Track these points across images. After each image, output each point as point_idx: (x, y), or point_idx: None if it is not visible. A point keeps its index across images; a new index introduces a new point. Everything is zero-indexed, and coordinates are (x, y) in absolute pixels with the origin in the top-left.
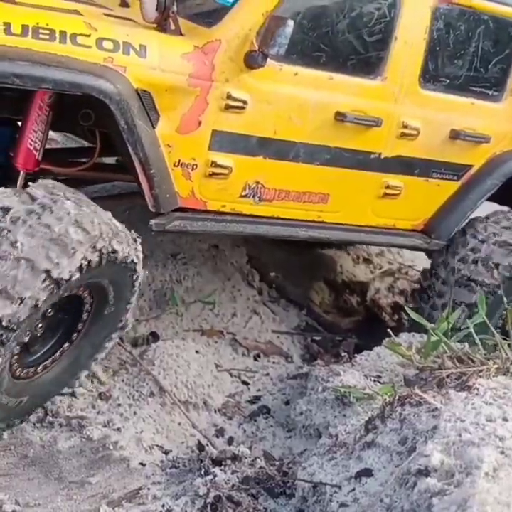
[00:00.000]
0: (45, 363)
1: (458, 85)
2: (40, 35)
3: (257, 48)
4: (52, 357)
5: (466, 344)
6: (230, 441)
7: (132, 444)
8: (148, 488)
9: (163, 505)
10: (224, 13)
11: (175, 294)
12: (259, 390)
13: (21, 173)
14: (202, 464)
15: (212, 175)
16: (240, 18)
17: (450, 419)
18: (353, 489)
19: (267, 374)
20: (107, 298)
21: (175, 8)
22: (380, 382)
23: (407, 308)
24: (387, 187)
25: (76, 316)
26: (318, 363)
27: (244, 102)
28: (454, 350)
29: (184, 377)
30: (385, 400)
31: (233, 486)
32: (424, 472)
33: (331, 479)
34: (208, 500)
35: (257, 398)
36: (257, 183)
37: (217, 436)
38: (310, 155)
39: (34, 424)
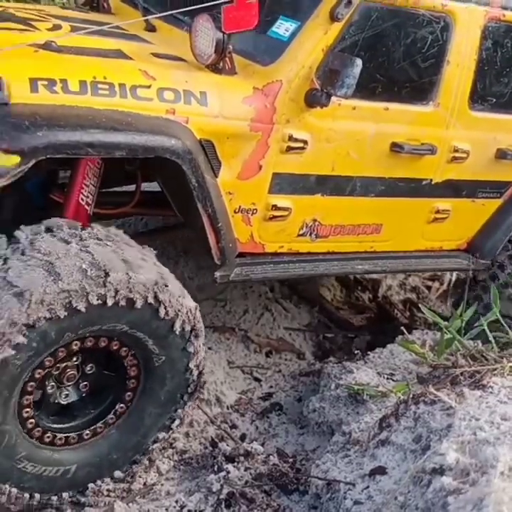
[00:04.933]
0: (91, 427)
1: (504, 103)
2: (100, 91)
3: (317, 86)
4: (103, 421)
5: (480, 342)
6: (243, 437)
7: None
8: (162, 484)
9: (176, 501)
10: (280, 49)
11: None
12: (271, 386)
13: None
14: (215, 461)
15: (272, 218)
16: (299, 55)
17: (465, 417)
18: (367, 487)
19: (279, 371)
20: (150, 354)
21: (231, 47)
22: (393, 380)
23: (421, 306)
24: (437, 211)
25: (122, 377)
26: (331, 360)
27: (305, 142)
28: (467, 348)
29: None
30: (400, 397)
31: (246, 482)
32: (439, 471)
33: (345, 477)
34: (222, 497)
35: (270, 395)
36: (314, 220)
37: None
38: (365, 188)
39: None
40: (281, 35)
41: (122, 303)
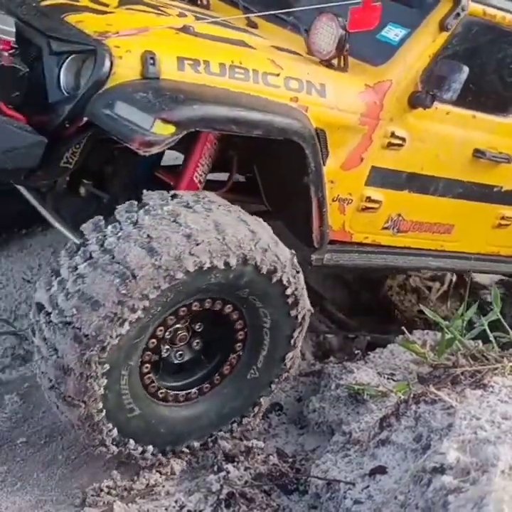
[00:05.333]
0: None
1: None
2: (236, 75)
3: (421, 88)
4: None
5: (480, 342)
6: (243, 437)
7: None
8: (162, 485)
9: (176, 501)
10: (390, 52)
11: None
12: None
13: None
14: (215, 460)
15: (364, 209)
16: (408, 59)
17: (465, 417)
18: (367, 486)
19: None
20: (260, 322)
21: (348, 46)
22: (393, 380)
23: (422, 306)
24: (502, 218)
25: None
26: (331, 360)
27: (404, 140)
28: (468, 348)
29: None
30: (400, 397)
31: (246, 482)
32: (440, 470)
33: (345, 476)
34: (221, 497)
35: None
36: (399, 215)
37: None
38: (446, 189)
39: None
40: (391, 40)
41: (262, 272)
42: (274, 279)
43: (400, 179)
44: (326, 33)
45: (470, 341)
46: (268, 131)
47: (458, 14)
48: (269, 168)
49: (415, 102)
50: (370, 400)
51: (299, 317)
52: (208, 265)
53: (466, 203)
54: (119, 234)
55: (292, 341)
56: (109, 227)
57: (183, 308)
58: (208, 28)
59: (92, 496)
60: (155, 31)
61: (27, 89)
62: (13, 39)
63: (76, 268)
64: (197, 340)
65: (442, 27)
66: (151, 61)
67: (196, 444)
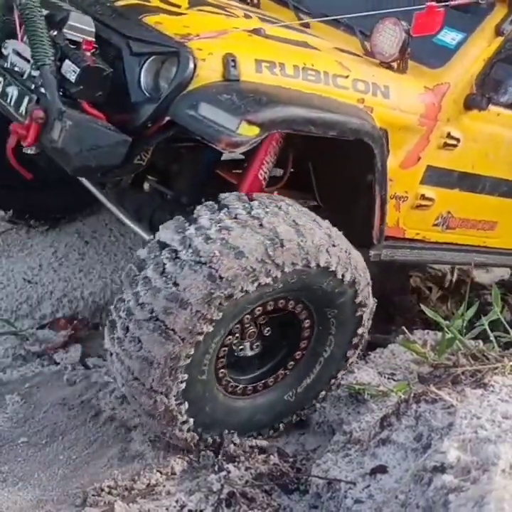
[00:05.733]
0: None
1: None
2: (309, 76)
3: (475, 91)
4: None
5: (481, 341)
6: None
7: (146, 440)
8: (163, 484)
9: (177, 501)
10: (446, 55)
11: None
12: None
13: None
14: (216, 460)
15: (418, 206)
16: (465, 62)
17: (466, 416)
18: (368, 486)
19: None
20: (327, 318)
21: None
22: (394, 380)
23: (422, 306)
24: None
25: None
26: None
27: (458, 140)
28: (468, 348)
29: None
30: (400, 397)
31: (247, 482)
32: (440, 469)
33: (346, 476)
34: (222, 496)
35: None
36: (448, 212)
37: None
38: (492, 187)
39: None
40: (448, 43)
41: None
42: (346, 281)
43: (452, 178)
44: (390, 36)
45: (470, 341)
46: (342, 132)
47: None
48: (326, 166)
49: (471, 103)
50: (370, 400)
51: (364, 317)
52: (289, 269)
53: (510, 201)
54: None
55: (357, 338)
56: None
57: (259, 308)
58: (275, 30)
59: (93, 495)
60: (232, 34)
61: (108, 89)
62: (93, 39)
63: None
64: (267, 329)
65: (497, 32)
66: (232, 63)
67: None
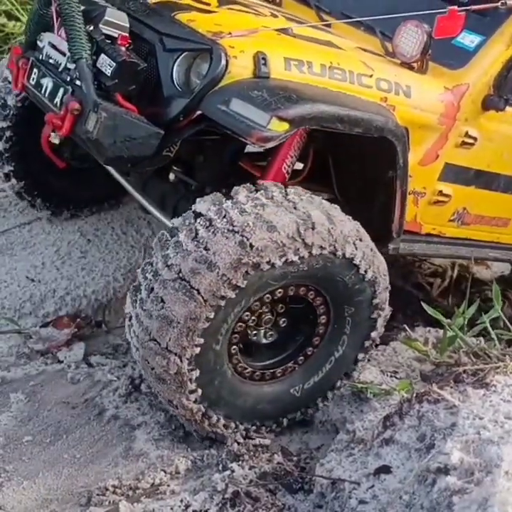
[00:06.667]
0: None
1: None
2: (335, 75)
3: (493, 92)
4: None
5: (482, 339)
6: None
7: (151, 439)
8: (167, 484)
9: (181, 501)
10: (466, 57)
11: None
12: None
13: None
14: (220, 459)
15: (435, 202)
16: (484, 64)
17: (468, 416)
18: (372, 486)
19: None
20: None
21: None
22: (396, 378)
23: (423, 304)
24: None
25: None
26: None
27: (475, 139)
28: (470, 346)
29: None
30: (403, 396)
31: (251, 481)
32: (444, 470)
33: (350, 475)
34: (227, 496)
35: None
36: (464, 209)
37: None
38: (507, 185)
39: None
40: (467, 46)
41: (325, 254)
42: (362, 271)
43: (469, 175)
44: (411, 38)
45: (472, 339)
46: (367, 129)
47: None
48: (347, 161)
49: (489, 104)
50: (373, 399)
51: (379, 322)
52: (317, 252)
53: None
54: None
55: (374, 330)
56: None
57: (267, 295)
58: (301, 30)
59: (98, 495)
60: (262, 33)
61: (142, 83)
62: (128, 34)
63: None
64: (283, 320)
65: None
66: (263, 61)
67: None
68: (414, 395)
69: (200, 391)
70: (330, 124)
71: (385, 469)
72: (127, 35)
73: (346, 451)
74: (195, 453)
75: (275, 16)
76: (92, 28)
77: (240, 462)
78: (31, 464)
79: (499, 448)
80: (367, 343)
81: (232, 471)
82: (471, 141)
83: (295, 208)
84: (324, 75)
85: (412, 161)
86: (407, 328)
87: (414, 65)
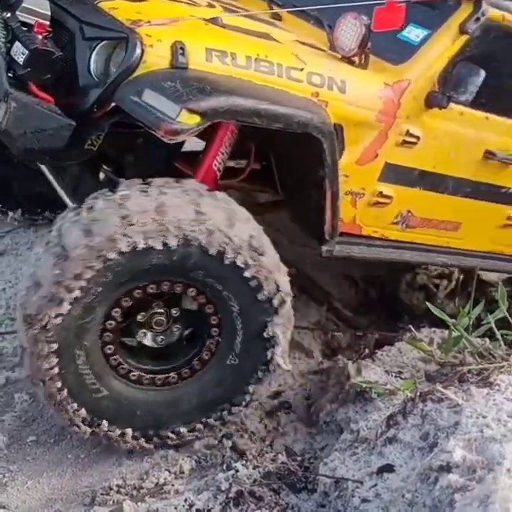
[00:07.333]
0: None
1: None
2: (261, 67)
3: (438, 89)
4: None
5: (487, 340)
6: (251, 436)
7: None
8: (172, 483)
9: (185, 500)
10: (409, 52)
11: None
12: (280, 385)
13: None
14: (224, 459)
15: (375, 204)
16: (428, 60)
17: (472, 415)
18: (375, 485)
19: (288, 370)
20: (228, 306)
21: (370, 44)
22: (401, 378)
23: (428, 304)
24: (508, 218)
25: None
26: (339, 358)
27: (418, 138)
28: (475, 346)
29: None
30: (407, 395)
31: (255, 481)
32: (446, 468)
33: (353, 475)
34: (230, 495)
35: (278, 393)
36: (409, 211)
37: (239, 431)
38: (455, 188)
39: None
40: (412, 40)
41: (210, 253)
42: (227, 261)
43: (412, 176)
44: (350, 31)
45: (477, 339)
46: (288, 125)
47: (478, 19)
48: (286, 158)
49: (432, 101)
50: (377, 398)
51: (274, 302)
52: (142, 246)
53: (474, 202)
54: (73, 219)
55: (271, 330)
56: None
57: (138, 291)
58: (235, 20)
59: (102, 494)
60: (185, 22)
61: (58, 72)
62: (48, 22)
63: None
64: (177, 326)
65: (462, 30)
66: (181, 51)
67: (183, 430)
68: (418, 394)
69: (83, 410)
70: (246, 118)
71: (388, 468)
72: (46, 22)
73: (350, 451)
74: (199, 453)
75: (212, 6)
76: (9, 15)
77: (244, 462)
78: (35, 464)
79: (501, 446)
80: (267, 355)
81: (236, 471)
82: (413, 139)
83: (120, 205)
84: (249, 68)
85: (348, 160)
86: (412, 328)
87: (356, 59)
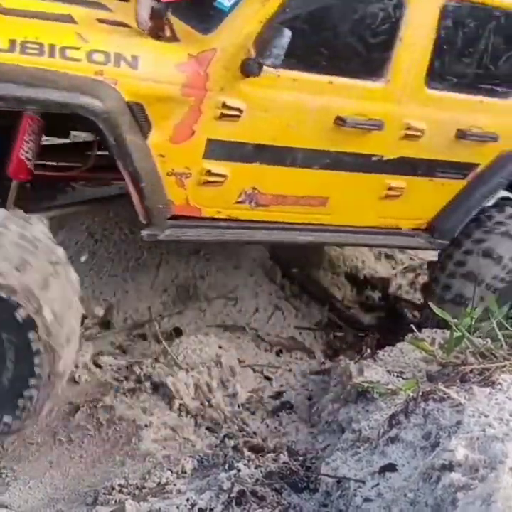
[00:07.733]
0: None
1: (466, 83)
2: (28, 50)
3: (255, 55)
4: None
5: (489, 339)
6: (253, 436)
7: (157, 439)
8: (174, 483)
9: (187, 500)
10: (219, 19)
11: None
12: (281, 385)
13: (13, 182)
14: (226, 459)
15: (206, 183)
16: (236, 26)
17: (474, 414)
18: (377, 484)
19: (290, 370)
20: None
21: (169, 15)
22: (403, 378)
23: (430, 304)
24: (390, 188)
25: None
26: (341, 358)
27: (240, 111)
28: (476, 346)
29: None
30: (409, 395)
31: (257, 480)
32: (449, 467)
33: (355, 474)
34: (232, 495)
35: (280, 394)
36: (254, 188)
37: (241, 431)
38: (308, 160)
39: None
40: (224, 6)
41: None
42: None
43: (246, 151)
44: (144, 4)
45: (478, 339)
46: (45, 107)
47: None
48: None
49: (246, 70)
50: (379, 398)
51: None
52: None
53: (339, 173)
54: None
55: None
56: None
57: None
58: (27, 4)
59: (104, 494)
60: None
61: None
62: None
63: None
64: None
65: None
66: None
67: None
68: (420, 393)
69: None
70: (16, 106)
71: (391, 467)
72: None
73: (352, 450)
74: (201, 452)
75: None
76: None
77: (246, 461)
78: (38, 464)
79: (504, 445)
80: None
81: (238, 471)
82: (233, 112)
83: None
84: (13, 51)
85: (160, 139)
86: (414, 328)
87: (162, 33)
